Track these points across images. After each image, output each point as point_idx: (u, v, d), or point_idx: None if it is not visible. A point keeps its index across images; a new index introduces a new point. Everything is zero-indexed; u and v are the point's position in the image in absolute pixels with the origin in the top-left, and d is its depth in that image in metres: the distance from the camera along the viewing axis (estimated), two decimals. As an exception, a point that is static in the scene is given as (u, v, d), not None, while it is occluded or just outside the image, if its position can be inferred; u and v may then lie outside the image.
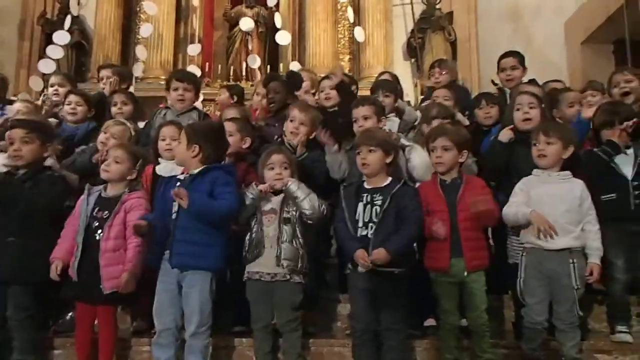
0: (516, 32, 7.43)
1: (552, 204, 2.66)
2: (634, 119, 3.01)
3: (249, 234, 2.77)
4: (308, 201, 2.70)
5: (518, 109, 3.11)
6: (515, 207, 2.70)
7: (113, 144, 3.23)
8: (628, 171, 2.99)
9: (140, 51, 7.26)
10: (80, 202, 2.90)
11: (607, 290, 3.06)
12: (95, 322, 2.80)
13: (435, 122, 3.16)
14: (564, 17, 6.56)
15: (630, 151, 3.03)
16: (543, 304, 2.65)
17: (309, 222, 2.74)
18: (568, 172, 2.76)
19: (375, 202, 2.65)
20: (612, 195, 2.98)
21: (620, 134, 3.01)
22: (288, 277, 2.68)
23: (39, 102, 4.51)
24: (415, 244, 2.73)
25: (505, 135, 3.15)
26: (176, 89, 3.69)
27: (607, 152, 3.00)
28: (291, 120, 3.25)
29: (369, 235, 2.60)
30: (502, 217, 2.76)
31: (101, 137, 3.45)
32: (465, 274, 2.64)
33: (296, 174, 2.82)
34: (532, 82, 4.10)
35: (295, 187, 2.73)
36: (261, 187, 2.76)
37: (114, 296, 2.71)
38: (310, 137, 3.25)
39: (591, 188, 2.83)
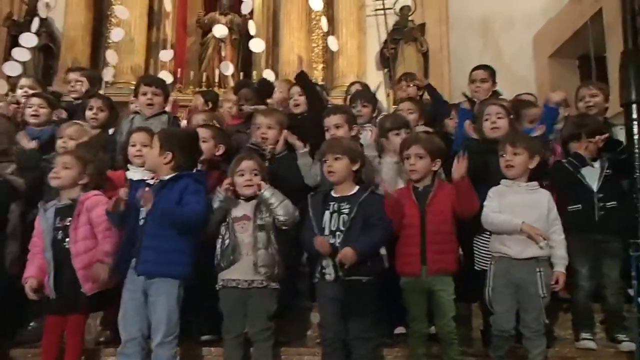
0: (486, 44, 7.59)
1: (522, 214, 2.71)
2: (605, 134, 3.09)
3: (220, 241, 2.74)
4: (282, 207, 2.69)
5: (487, 119, 3.19)
6: (503, 216, 2.73)
7: (72, 146, 3.20)
8: (594, 183, 3.06)
9: (110, 55, 7.14)
10: (38, 221, 2.82)
11: (572, 298, 3.12)
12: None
13: (390, 134, 3.21)
14: (533, 31, 6.73)
15: (597, 164, 3.11)
16: (511, 312, 2.69)
17: (283, 227, 2.72)
18: (535, 183, 2.82)
19: (342, 211, 2.66)
20: (578, 206, 3.05)
21: (587, 147, 3.09)
22: (265, 283, 2.66)
23: (7, 103, 4.39)
24: (385, 252, 2.74)
25: (468, 125, 3.30)
26: (145, 94, 3.64)
27: (574, 164, 3.09)
28: (258, 127, 3.25)
29: (337, 244, 2.61)
30: (482, 220, 2.78)
31: (59, 142, 3.37)
32: (429, 277, 2.64)
33: (267, 180, 2.80)
34: (495, 93, 4.16)
35: (270, 193, 2.72)
36: (224, 184, 2.72)
37: (95, 299, 2.66)
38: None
39: (558, 198, 2.90)
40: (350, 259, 2.53)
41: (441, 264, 2.67)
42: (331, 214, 2.67)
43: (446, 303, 2.66)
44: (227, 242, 2.71)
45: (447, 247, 2.72)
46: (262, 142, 3.22)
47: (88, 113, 3.88)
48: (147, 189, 2.62)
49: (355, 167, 2.74)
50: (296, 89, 3.79)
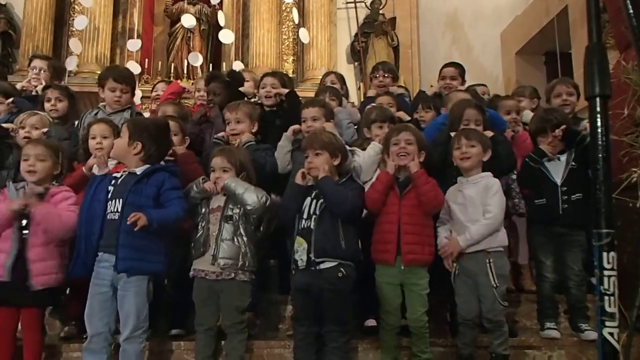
0: (456, 40, 7.66)
1: (472, 207, 2.75)
2: (563, 126, 3.13)
3: (195, 230, 2.72)
4: (248, 194, 2.65)
5: (467, 124, 3.12)
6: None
7: (37, 136, 3.12)
8: (558, 176, 3.10)
9: (74, 44, 6.95)
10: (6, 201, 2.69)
11: (537, 289, 3.19)
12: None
13: (374, 126, 3.21)
14: (500, 27, 6.81)
15: (564, 157, 3.13)
16: (470, 303, 2.71)
17: (252, 215, 2.69)
18: (488, 173, 2.83)
19: (320, 197, 2.66)
20: (543, 200, 3.10)
21: (551, 141, 3.12)
22: (233, 275, 2.62)
23: None
24: (359, 244, 2.74)
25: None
26: (113, 90, 3.49)
27: (534, 159, 3.13)
28: (228, 123, 3.25)
29: (312, 227, 2.61)
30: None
31: (21, 133, 3.25)
32: (403, 268, 2.65)
33: (243, 173, 2.76)
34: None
35: (233, 183, 2.68)
36: (207, 185, 2.71)
37: (42, 295, 2.57)
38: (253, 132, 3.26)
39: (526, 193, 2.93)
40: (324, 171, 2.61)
41: (412, 255, 2.67)
42: (312, 199, 2.68)
43: (419, 298, 2.67)
44: (200, 232, 2.69)
45: (423, 238, 2.72)
46: (232, 137, 3.22)
47: (47, 105, 3.74)
48: (112, 182, 2.57)
49: (336, 162, 2.73)
50: (269, 80, 3.73)
